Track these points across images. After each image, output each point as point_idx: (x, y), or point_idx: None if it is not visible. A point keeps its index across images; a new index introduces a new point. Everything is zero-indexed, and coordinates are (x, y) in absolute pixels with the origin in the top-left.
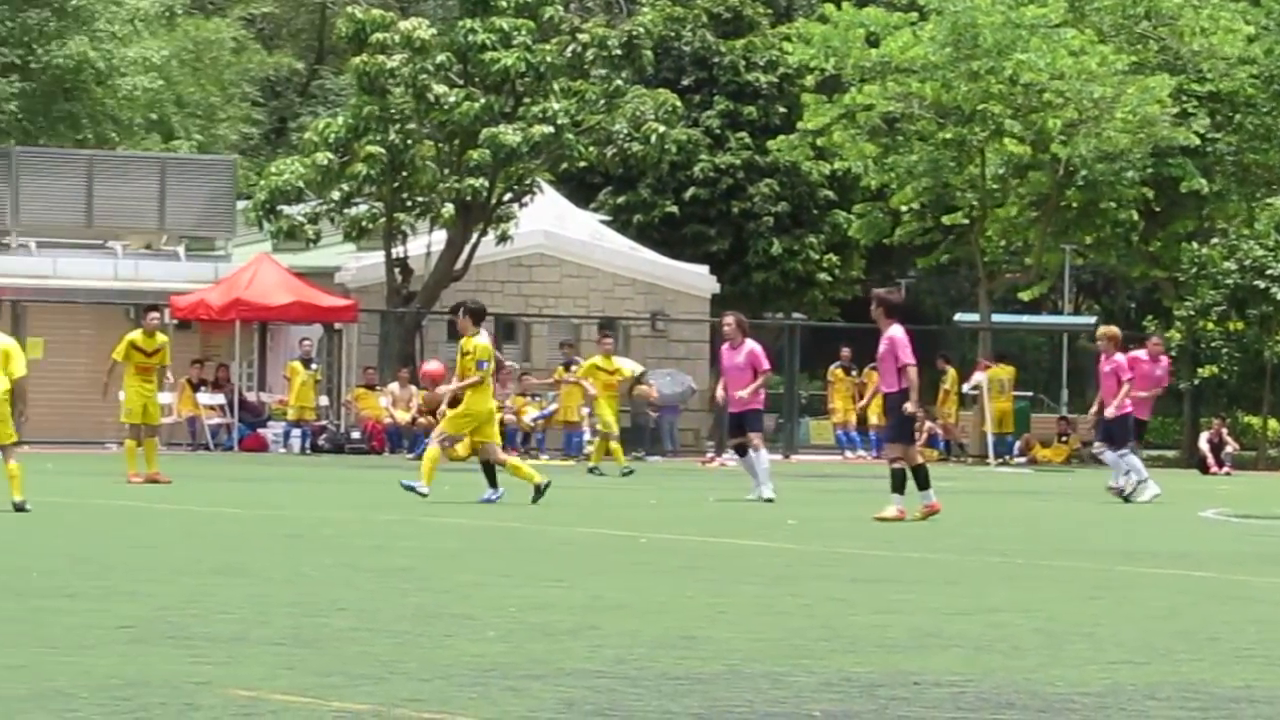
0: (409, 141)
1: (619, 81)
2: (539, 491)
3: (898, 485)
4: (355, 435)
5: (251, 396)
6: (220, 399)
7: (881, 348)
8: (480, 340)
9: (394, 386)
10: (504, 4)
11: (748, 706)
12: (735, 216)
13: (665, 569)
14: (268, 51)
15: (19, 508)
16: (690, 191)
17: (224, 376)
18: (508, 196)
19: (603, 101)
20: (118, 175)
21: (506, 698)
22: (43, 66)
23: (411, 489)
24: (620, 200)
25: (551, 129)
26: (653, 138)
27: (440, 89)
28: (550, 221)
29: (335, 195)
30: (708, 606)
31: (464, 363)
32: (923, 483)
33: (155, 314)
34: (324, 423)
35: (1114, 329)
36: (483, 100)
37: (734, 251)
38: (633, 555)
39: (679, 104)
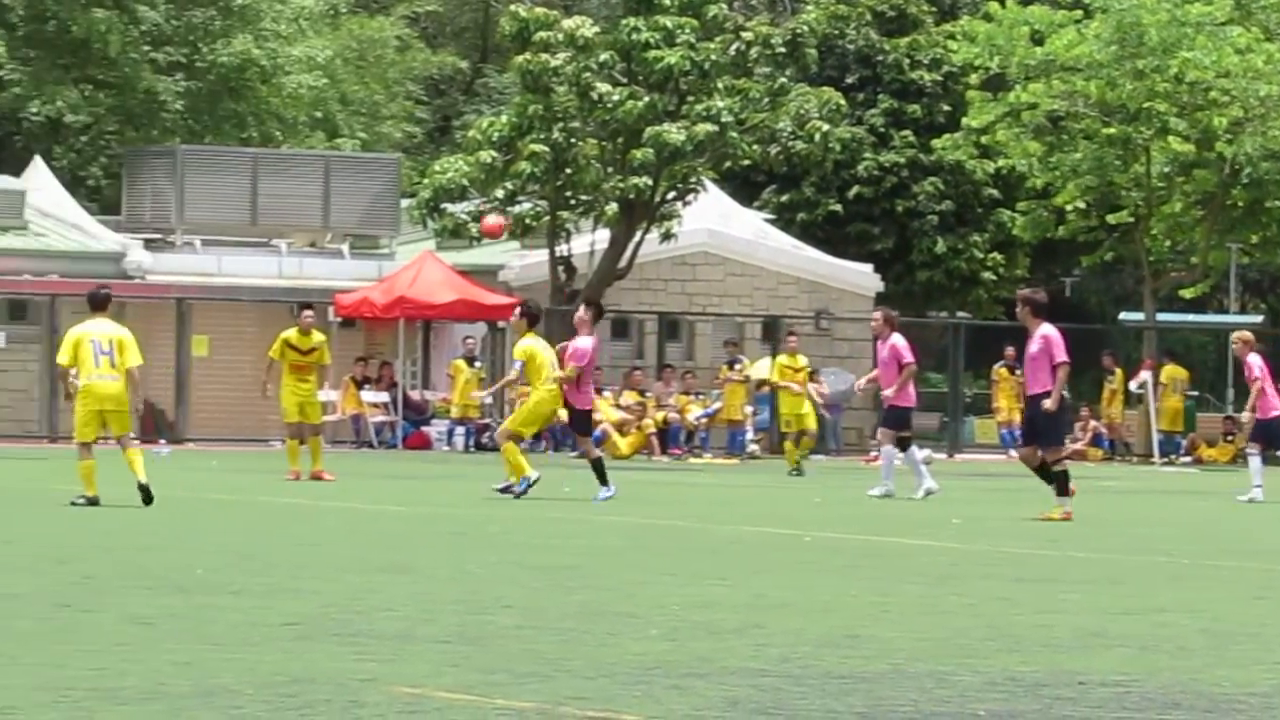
0: (572, 140)
1: (783, 79)
2: (529, 485)
3: (1063, 488)
4: None
5: (415, 394)
6: (384, 397)
7: (1034, 347)
8: (525, 343)
9: None
10: (668, 2)
11: (912, 706)
12: (899, 215)
13: (829, 567)
14: (431, 50)
15: (143, 488)
16: (854, 190)
17: (388, 374)
18: (671, 195)
19: (767, 100)
20: (282, 173)
21: (670, 696)
22: (208, 65)
23: (526, 488)
24: (784, 198)
25: (715, 127)
26: (816, 136)
27: (604, 87)
28: (714, 220)
29: (499, 193)
30: (872, 605)
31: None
32: (1050, 479)
33: (309, 312)
34: (487, 420)
35: (1247, 333)
36: (646, 98)
37: (898, 250)
38: (797, 554)
39: (843, 102)
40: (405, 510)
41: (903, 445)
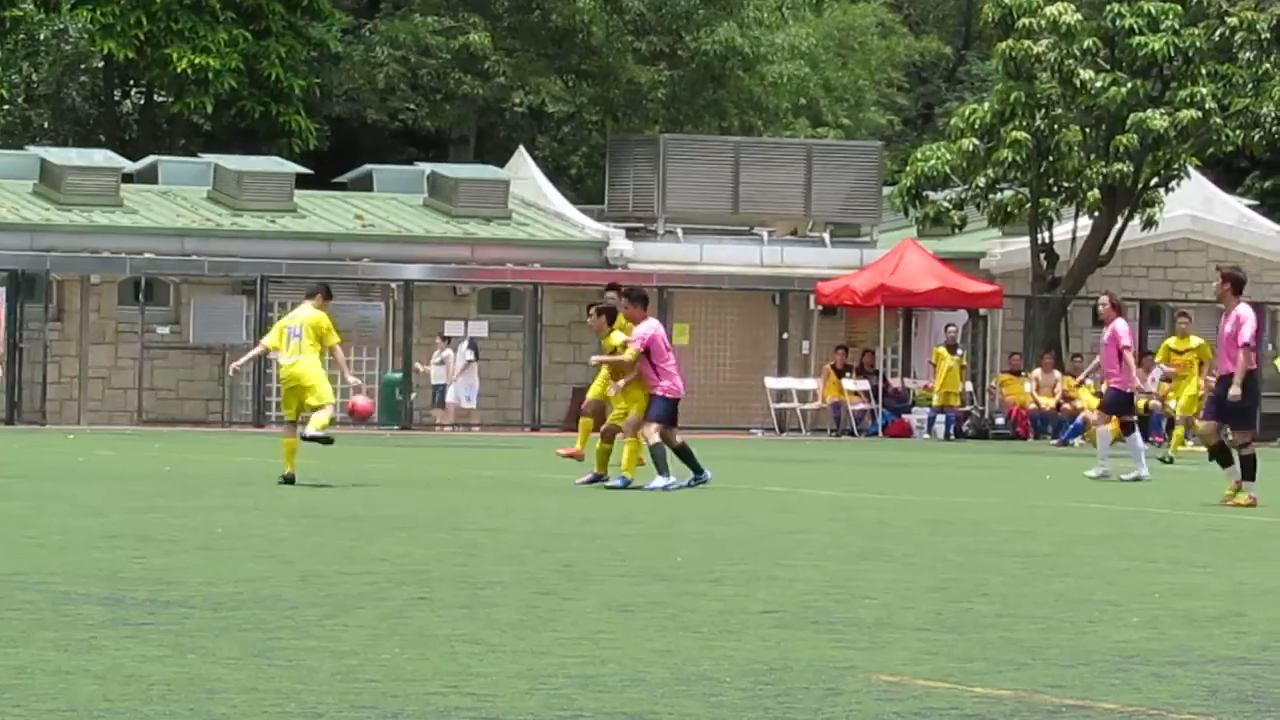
0: (1055, 127)
1: (1268, 65)
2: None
3: (1250, 472)
4: (999, 421)
5: (896, 382)
6: (865, 385)
7: (1229, 327)
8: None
9: (1038, 372)
10: None
11: None
12: None
13: None
14: (915, 36)
15: (288, 480)
16: None
17: (869, 363)
18: (1154, 181)
19: (1251, 85)
20: (763, 161)
21: (1149, 684)
22: (691, 54)
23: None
24: (1267, 184)
25: (1199, 113)
26: None
27: (1086, 74)
28: (1197, 206)
29: (980, 181)
30: None
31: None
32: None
33: (611, 294)
34: (968, 408)
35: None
36: (1129, 85)
37: None
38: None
39: None
40: (884, 498)
41: (1128, 429)
